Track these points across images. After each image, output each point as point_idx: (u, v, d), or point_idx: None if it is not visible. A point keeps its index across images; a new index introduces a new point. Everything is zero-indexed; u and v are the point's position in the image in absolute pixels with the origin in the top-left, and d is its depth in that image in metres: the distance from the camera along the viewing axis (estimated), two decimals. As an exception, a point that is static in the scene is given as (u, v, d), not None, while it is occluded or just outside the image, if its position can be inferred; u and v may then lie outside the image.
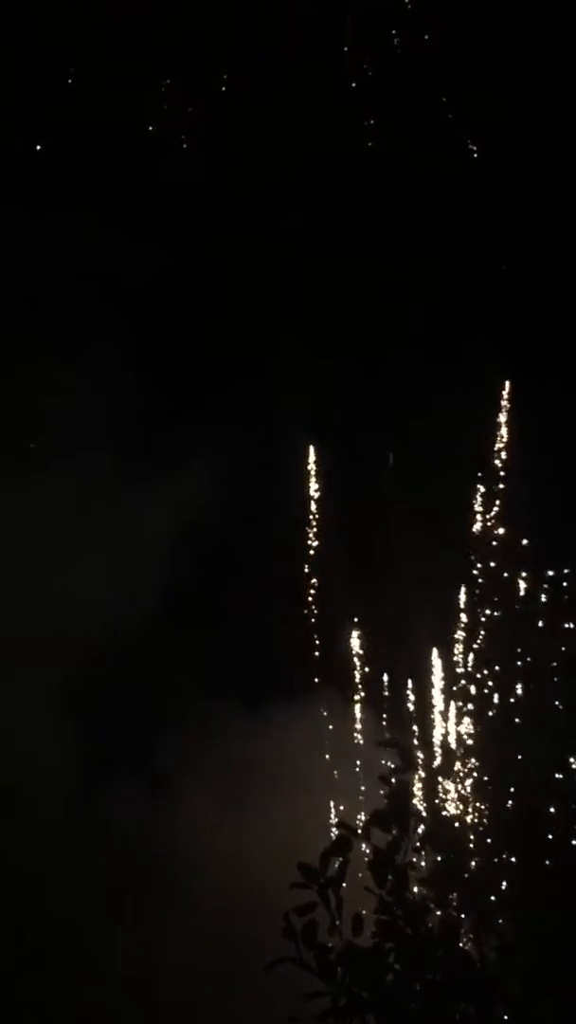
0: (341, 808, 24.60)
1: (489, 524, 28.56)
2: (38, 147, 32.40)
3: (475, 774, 8.56)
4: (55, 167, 32.48)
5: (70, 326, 29.73)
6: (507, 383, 31.62)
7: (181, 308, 32.19)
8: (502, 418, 30.84)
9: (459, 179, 32.95)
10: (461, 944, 7.84)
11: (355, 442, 30.54)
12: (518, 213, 32.11)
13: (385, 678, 26.95)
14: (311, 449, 29.86)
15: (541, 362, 30.94)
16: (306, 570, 29.70)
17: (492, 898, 7.98)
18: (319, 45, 33.26)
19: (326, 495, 29.91)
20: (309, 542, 29.72)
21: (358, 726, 26.58)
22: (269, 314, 31.81)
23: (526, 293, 32.30)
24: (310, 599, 29.57)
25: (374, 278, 32.16)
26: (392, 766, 8.31)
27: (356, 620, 28.12)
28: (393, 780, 8.06)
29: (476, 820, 8.34)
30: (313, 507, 29.81)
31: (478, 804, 8.35)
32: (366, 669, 27.48)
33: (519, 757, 9.25)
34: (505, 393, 31.37)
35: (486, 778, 8.61)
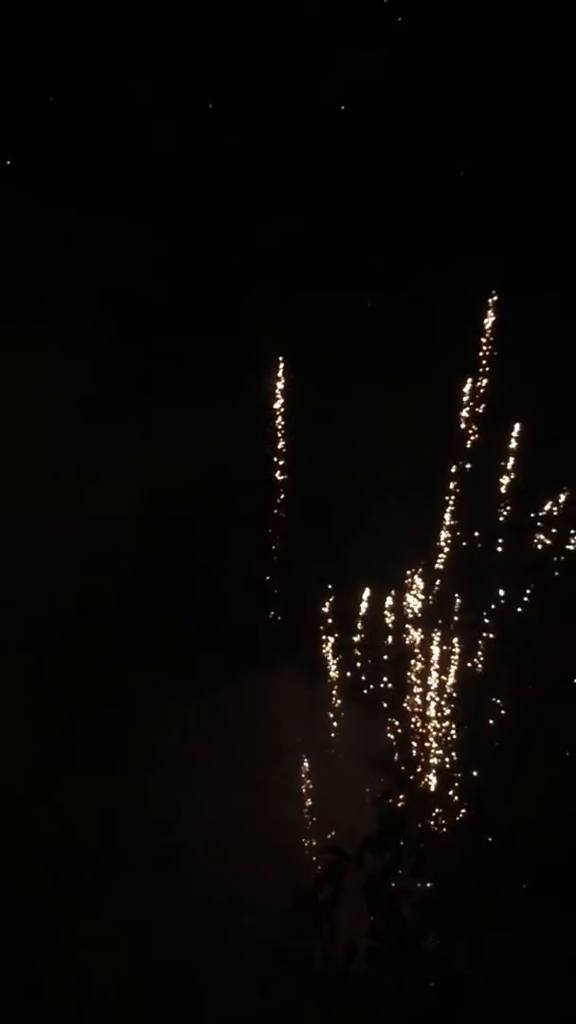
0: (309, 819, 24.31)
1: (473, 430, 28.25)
2: (8, 161, 31.84)
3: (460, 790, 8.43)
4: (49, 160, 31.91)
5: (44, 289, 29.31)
6: (492, 292, 31.07)
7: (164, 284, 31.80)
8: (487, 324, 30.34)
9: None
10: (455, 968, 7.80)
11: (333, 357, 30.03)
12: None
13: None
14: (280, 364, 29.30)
15: (529, 268, 30.41)
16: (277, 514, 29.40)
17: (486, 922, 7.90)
18: (310, 53, 32.70)
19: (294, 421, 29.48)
20: (277, 477, 29.36)
21: (338, 702, 26.32)
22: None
23: (515, 199, 31.71)
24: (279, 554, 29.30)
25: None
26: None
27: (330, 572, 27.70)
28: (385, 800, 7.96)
29: (468, 838, 8.22)
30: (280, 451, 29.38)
31: (466, 822, 8.24)
32: (336, 635, 27.10)
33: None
34: (491, 302, 30.85)
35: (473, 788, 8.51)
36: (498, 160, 31.87)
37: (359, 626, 25.88)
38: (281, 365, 29.78)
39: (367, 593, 25.71)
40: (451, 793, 8.21)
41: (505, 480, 23.88)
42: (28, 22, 31.57)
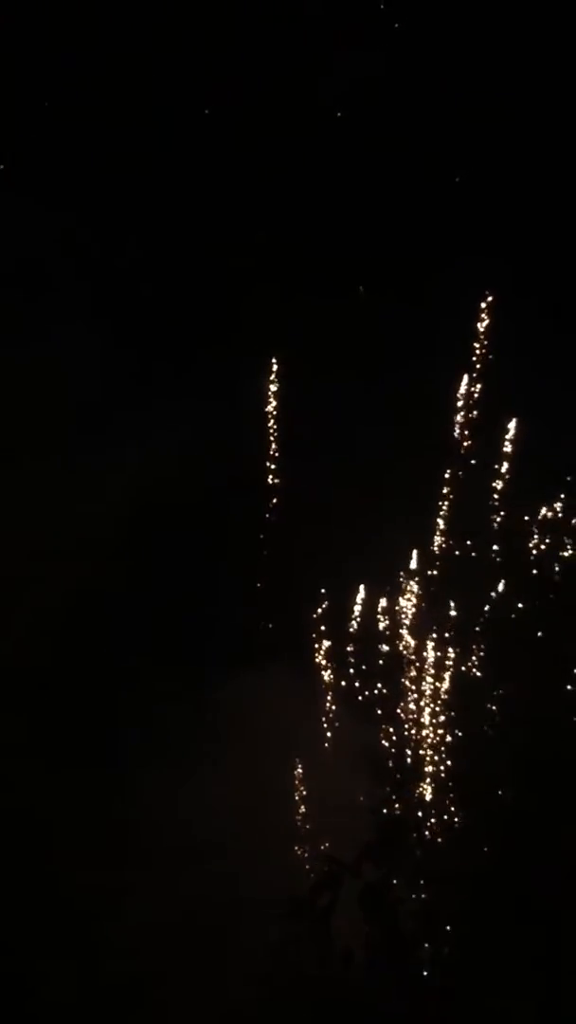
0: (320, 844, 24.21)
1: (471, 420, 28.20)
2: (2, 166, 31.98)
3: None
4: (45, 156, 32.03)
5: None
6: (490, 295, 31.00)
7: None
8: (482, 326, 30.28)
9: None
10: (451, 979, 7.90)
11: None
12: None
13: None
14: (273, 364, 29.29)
15: (528, 269, 30.41)
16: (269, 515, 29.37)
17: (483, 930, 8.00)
18: (310, 53, 32.77)
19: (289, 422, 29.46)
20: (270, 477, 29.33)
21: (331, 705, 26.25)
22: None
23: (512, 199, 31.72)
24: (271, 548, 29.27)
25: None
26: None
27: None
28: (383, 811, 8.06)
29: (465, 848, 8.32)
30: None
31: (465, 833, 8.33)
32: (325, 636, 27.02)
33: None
34: (488, 303, 30.80)
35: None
36: (498, 161, 31.93)
37: (353, 630, 25.93)
38: (275, 367, 29.81)
39: (361, 595, 25.71)
40: (447, 802, 8.30)
41: (499, 484, 23.90)
42: (27, 22, 31.61)
